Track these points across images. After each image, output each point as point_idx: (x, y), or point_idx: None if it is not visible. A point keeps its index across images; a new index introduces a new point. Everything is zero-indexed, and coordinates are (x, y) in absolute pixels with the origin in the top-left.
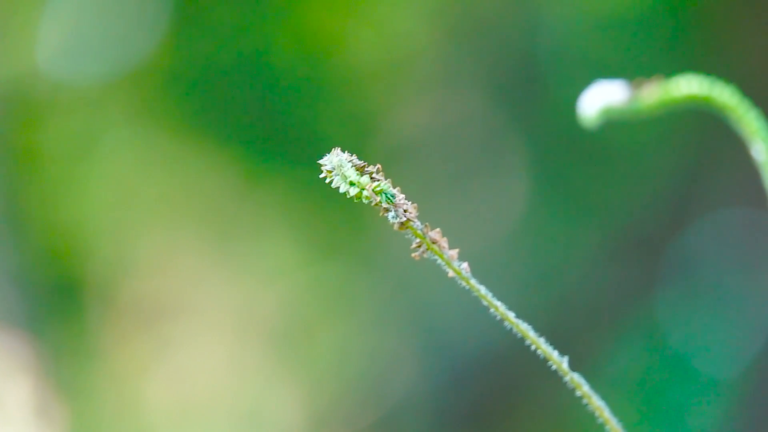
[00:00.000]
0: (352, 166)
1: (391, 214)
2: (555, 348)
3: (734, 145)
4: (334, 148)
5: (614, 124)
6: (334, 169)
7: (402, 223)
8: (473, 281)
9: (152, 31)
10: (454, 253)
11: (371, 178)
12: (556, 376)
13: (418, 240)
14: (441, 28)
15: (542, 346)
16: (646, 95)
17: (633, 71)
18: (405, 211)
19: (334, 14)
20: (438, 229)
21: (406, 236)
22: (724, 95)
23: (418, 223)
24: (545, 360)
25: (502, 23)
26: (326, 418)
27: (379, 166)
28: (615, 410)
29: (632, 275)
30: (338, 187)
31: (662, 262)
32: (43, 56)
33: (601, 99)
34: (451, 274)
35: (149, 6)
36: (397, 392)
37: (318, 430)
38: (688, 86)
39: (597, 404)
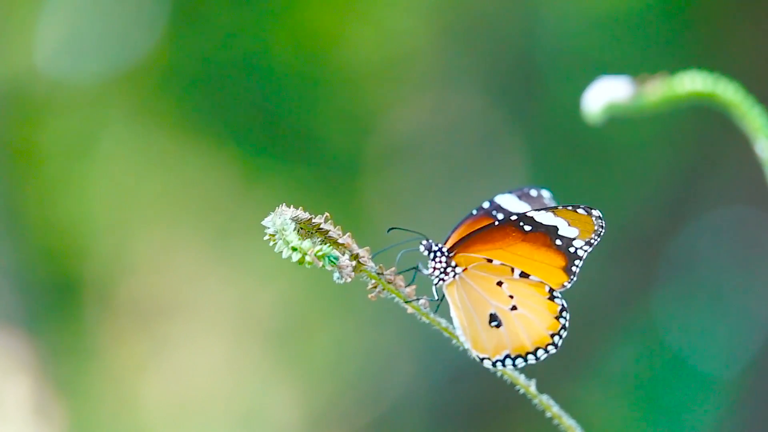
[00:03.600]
0: (295, 227)
1: (336, 276)
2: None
3: (734, 142)
4: (279, 205)
5: (613, 121)
6: (276, 232)
7: (355, 267)
8: (432, 315)
9: (150, 30)
10: (411, 290)
11: (321, 234)
12: (553, 375)
13: (373, 281)
14: (439, 26)
15: (508, 371)
16: (650, 92)
17: (632, 69)
18: (355, 256)
19: (332, 13)
20: (393, 268)
21: (361, 279)
22: (728, 92)
23: (372, 264)
24: (545, 359)
25: (500, 22)
26: (324, 417)
27: (327, 214)
28: (613, 408)
29: (631, 274)
30: (281, 252)
31: (661, 260)
32: (41, 55)
33: (605, 95)
34: (410, 310)
35: (147, 4)
36: (394, 391)
37: (316, 429)
38: (692, 83)
39: (568, 423)
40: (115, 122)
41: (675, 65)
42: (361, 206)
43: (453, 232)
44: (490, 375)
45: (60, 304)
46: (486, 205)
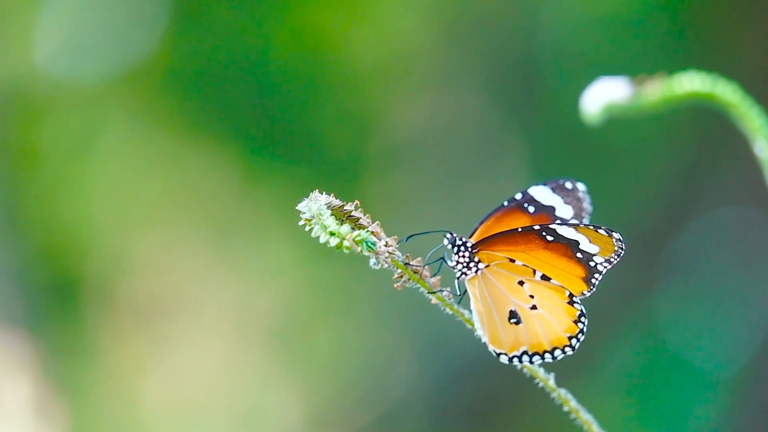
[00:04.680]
0: (331, 213)
1: (372, 261)
2: None
3: (733, 142)
4: (313, 191)
5: (614, 121)
6: (313, 217)
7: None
8: (456, 307)
9: (151, 30)
10: (436, 280)
11: (352, 222)
12: (553, 374)
13: (400, 270)
14: (439, 26)
15: (528, 365)
16: (649, 92)
17: (632, 69)
18: (386, 244)
19: (332, 13)
20: (419, 258)
21: (390, 268)
22: (727, 92)
23: (399, 254)
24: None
25: (500, 22)
26: (325, 417)
27: (357, 202)
28: (613, 408)
29: (631, 273)
30: (318, 236)
31: (661, 260)
32: (42, 54)
33: (603, 96)
34: (434, 300)
35: (148, 4)
36: (395, 390)
37: (316, 429)
38: (691, 83)
39: (585, 418)
40: (115, 122)
41: (674, 65)
42: (363, 206)
43: (481, 224)
44: (491, 375)
45: (60, 304)
46: (518, 196)
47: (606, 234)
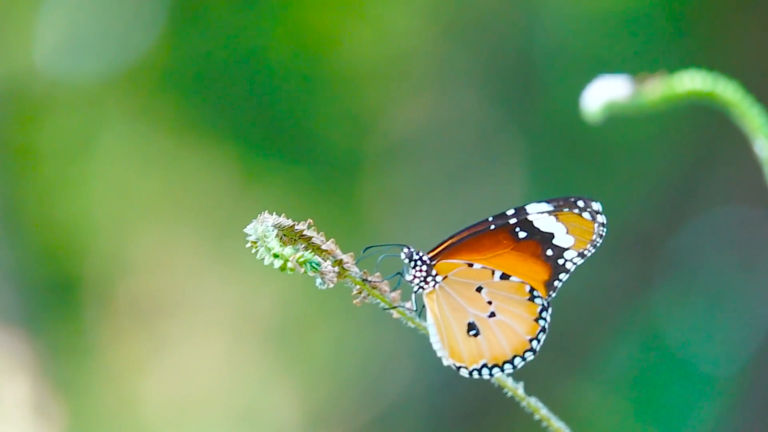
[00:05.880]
0: (276, 234)
1: (318, 281)
2: (552, 346)
3: (733, 141)
4: (261, 213)
5: (612, 120)
6: (258, 239)
7: (339, 273)
8: (418, 320)
9: (150, 29)
10: (396, 295)
11: (305, 241)
12: (552, 374)
13: (358, 287)
14: (437, 25)
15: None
16: (650, 90)
17: (631, 68)
18: (341, 262)
19: (331, 12)
20: (378, 273)
21: (346, 284)
22: (728, 91)
23: (357, 270)
24: (543, 358)
25: (498, 20)
26: (323, 416)
27: (310, 221)
28: (612, 408)
29: (630, 273)
30: (263, 258)
31: (660, 259)
32: (41, 53)
33: (604, 94)
34: (395, 315)
35: (147, 3)
36: (393, 390)
37: (315, 428)
38: (692, 82)
39: (557, 426)
40: (114, 121)
41: (674, 64)
42: (361, 205)
43: (450, 238)
44: None
45: (59, 304)
46: (510, 212)
47: (590, 218)
